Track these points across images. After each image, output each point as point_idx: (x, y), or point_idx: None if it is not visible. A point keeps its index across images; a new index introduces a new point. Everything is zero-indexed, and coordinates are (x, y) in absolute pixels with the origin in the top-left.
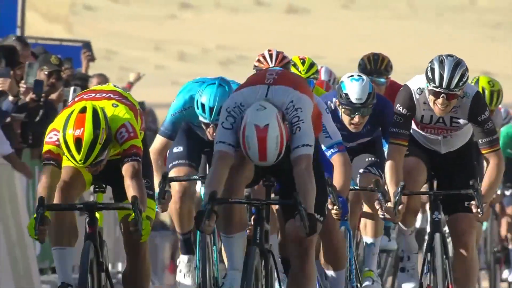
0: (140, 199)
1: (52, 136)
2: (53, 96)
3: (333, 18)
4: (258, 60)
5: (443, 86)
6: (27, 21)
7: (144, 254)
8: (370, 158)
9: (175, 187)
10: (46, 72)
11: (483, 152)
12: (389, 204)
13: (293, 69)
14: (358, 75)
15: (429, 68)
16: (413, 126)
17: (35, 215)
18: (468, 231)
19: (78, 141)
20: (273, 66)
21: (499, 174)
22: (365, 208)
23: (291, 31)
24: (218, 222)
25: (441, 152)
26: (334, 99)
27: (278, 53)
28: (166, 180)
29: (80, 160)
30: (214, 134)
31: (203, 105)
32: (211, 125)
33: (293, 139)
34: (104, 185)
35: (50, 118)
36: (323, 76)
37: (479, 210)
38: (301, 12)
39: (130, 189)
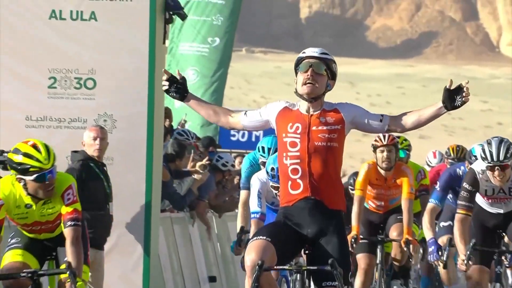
0: (77, 264)
1: None
2: None
3: (444, 140)
4: (375, 140)
5: (495, 160)
6: None
7: None
8: None
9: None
10: None
11: None
12: (462, 257)
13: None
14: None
15: (481, 150)
16: (481, 198)
17: None
18: None
19: (35, 146)
20: (386, 144)
21: None
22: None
23: (421, 151)
24: None
25: (502, 212)
26: (462, 167)
27: (389, 134)
28: (243, 231)
29: (46, 159)
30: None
31: (263, 147)
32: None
33: (374, 116)
34: (54, 253)
35: None
36: (436, 156)
37: None
38: (427, 138)
39: (69, 254)
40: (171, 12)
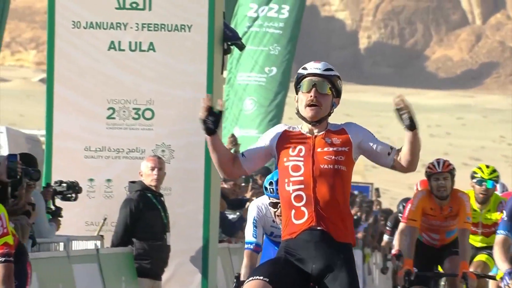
0: None
1: None
2: None
3: (505, 171)
4: (429, 167)
5: None
6: None
7: None
8: None
9: None
10: None
11: None
12: None
13: (478, 171)
14: None
15: None
16: None
17: None
18: None
19: None
20: (441, 171)
21: None
22: None
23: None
24: None
25: None
26: None
27: (444, 161)
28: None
29: None
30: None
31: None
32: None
33: (383, 145)
34: None
35: None
36: (498, 188)
37: None
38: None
39: None
40: (229, 43)
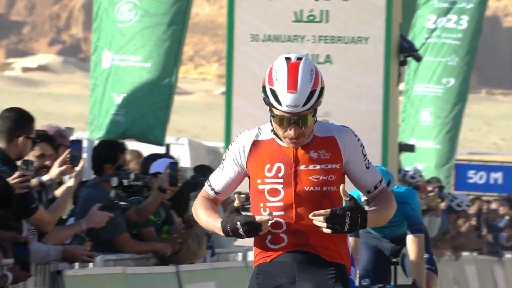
0: None
1: None
2: None
3: None
4: None
5: None
6: None
7: None
8: None
9: None
10: None
11: None
12: None
13: None
14: None
15: None
16: None
17: None
18: None
19: None
20: None
21: None
22: None
23: None
24: None
25: None
26: None
27: None
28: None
29: None
30: None
31: None
32: None
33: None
34: None
35: None
36: None
37: None
38: None
39: None
40: (405, 54)
